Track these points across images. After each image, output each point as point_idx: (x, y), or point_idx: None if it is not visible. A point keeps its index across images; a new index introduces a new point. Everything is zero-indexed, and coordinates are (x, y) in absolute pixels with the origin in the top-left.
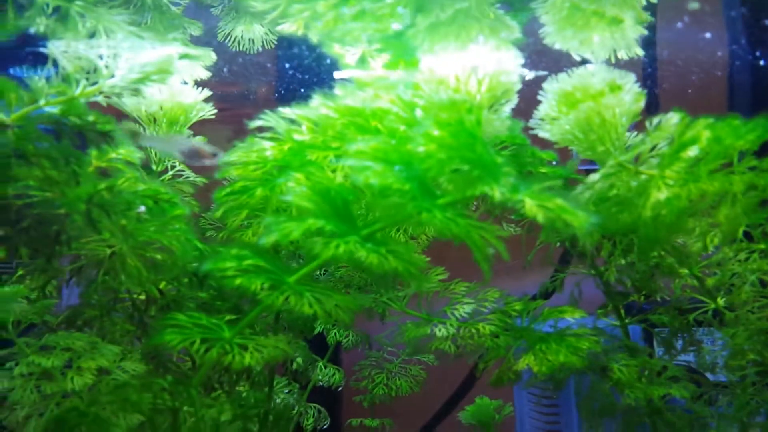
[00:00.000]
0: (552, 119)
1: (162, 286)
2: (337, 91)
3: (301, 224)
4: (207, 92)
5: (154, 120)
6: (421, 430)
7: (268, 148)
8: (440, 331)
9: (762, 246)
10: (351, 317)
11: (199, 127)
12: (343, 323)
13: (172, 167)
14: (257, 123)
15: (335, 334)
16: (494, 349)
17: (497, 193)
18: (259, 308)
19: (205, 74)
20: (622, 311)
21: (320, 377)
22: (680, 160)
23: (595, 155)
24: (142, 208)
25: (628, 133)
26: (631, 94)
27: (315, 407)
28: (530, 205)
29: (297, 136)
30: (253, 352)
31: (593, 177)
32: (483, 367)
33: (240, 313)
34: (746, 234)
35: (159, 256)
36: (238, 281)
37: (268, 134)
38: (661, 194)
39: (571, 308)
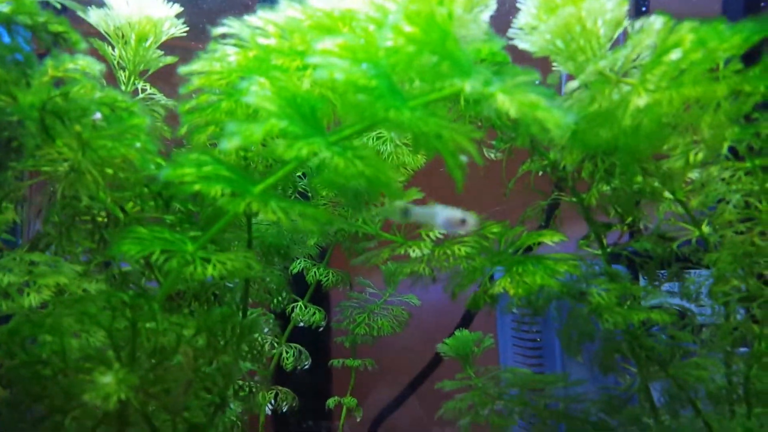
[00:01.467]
0: (532, 28)
1: (128, 207)
2: None
3: (264, 125)
4: (177, 7)
5: (122, 36)
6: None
7: (231, 54)
8: (414, 252)
9: (748, 164)
10: (318, 228)
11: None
12: (311, 233)
13: (143, 90)
14: (220, 30)
15: (315, 273)
16: (470, 272)
17: (468, 86)
18: (223, 221)
19: None
20: (604, 240)
21: (301, 317)
22: (662, 65)
23: (577, 66)
24: (98, 115)
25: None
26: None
27: (295, 347)
28: (502, 100)
29: (262, 40)
30: (217, 264)
31: (572, 84)
32: (458, 290)
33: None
34: (732, 150)
35: (121, 174)
36: (197, 186)
37: (232, 41)
38: (641, 101)
39: (550, 232)
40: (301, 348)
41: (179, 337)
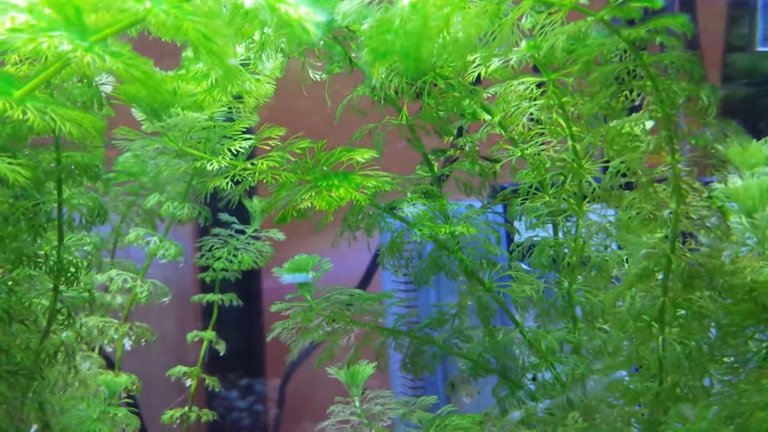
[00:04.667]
0: None
1: None
2: None
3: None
4: None
5: None
6: None
7: None
8: (212, 166)
9: (544, 78)
10: (98, 135)
11: None
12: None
13: None
14: None
15: (169, 206)
16: (277, 188)
17: None
18: None
19: None
20: (431, 159)
21: (156, 252)
22: None
23: None
24: None
25: None
26: None
27: (151, 282)
28: None
29: None
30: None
31: None
32: (270, 208)
33: None
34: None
35: None
36: None
37: None
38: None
39: (364, 149)
40: (156, 282)
41: None
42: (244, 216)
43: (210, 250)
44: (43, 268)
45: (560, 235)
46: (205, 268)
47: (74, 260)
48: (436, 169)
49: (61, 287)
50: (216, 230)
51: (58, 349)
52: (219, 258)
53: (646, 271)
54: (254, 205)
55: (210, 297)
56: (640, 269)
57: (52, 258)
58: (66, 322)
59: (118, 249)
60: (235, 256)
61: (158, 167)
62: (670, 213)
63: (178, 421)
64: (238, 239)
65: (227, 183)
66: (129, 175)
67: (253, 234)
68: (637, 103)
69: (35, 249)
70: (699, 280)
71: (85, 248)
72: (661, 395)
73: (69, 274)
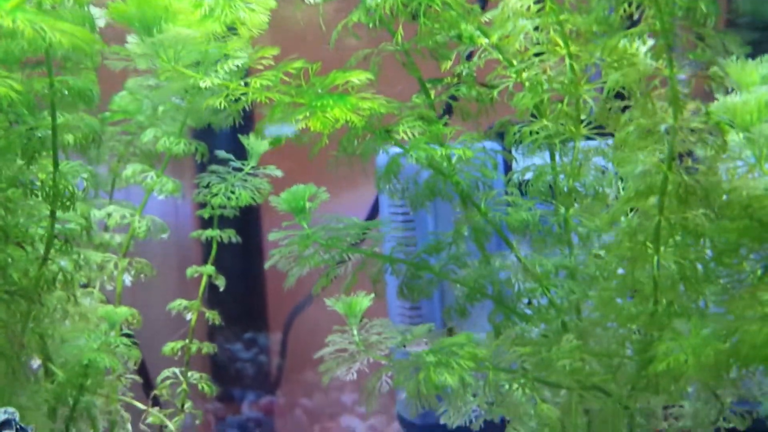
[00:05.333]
0: None
1: None
2: None
3: None
4: None
5: None
6: None
7: None
8: (205, 84)
9: None
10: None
11: None
12: None
13: None
14: None
15: (165, 141)
16: (271, 110)
17: None
18: None
19: None
20: (428, 87)
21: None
22: None
23: None
24: None
25: None
26: None
27: (149, 218)
28: None
29: None
30: None
31: None
32: (262, 127)
33: None
34: None
35: None
36: None
37: None
38: None
39: (359, 71)
40: (155, 218)
41: None
42: (241, 155)
43: (207, 186)
44: (40, 195)
45: (557, 162)
46: (203, 207)
47: (70, 186)
48: (432, 97)
49: (58, 213)
50: (213, 167)
51: (57, 275)
52: (216, 194)
53: (642, 188)
54: (251, 141)
55: (209, 233)
56: (637, 187)
57: (47, 184)
58: (63, 249)
59: (116, 191)
60: (233, 192)
61: (154, 103)
62: (668, 128)
63: (179, 353)
64: (235, 176)
65: (221, 103)
66: (125, 114)
67: (250, 171)
68: (636, 18)
69: (30, 174)
70: (695, 197)
71: (83, 175)
72: (655, 316)
73: (65, 200)
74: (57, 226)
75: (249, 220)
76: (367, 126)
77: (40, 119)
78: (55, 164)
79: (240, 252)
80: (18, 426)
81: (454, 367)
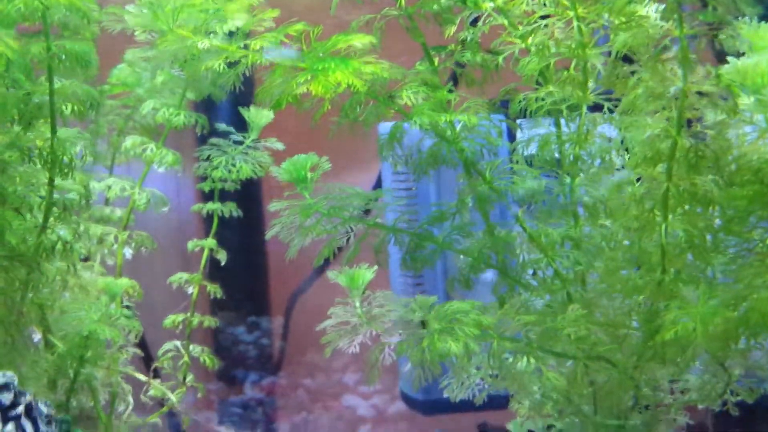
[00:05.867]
0: None
1: None
2: None
3: None
4: None
5: None
6: None
7: None
8: (203, 44)
9: None
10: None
11: None
12: None
13: None
14: None
15: (165, 112)
16: (272, 71)
17: None
18: None
19: None
20: (431, 55)
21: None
22: None
23: None
24: None
25: None
26: None
27: (150, 191)
28: None
29: None
30: None
31: None
32: (266, 95)
33: None
34: None
35: None
36: None
37: None
38: None
39: (360, 35)
40: (155, 191)
41: None
42: (242, 128)
43: (208, 159)
44: (38, 162)
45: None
46: (204, 181)
47: (68, 153)
48: (436, 64)
49: (57, 181)
50: (214, 140)
51: (56, 244)
52: (217, 167)
53: (650, 154)
54: (252, 114)
55: (210, 206)
56: (644, 152)
57: (45, 151)
58: (62, 216)
59: (116, 166)
60: (233, 165)
61: (153, 73)
62: (677, 90)
63: (180, 327)
64: (236, 149)
65: (220, 65)
66: (124, 86)
67: (251, 144)
68: None
69: (28, 140)
70: (704, 162)
71: (82, 143)
72: (662, 285)
73: (63, 167)
74: (55, 195)
75: (250, 196)
76: (370, 92)
77: (38, 85)
78: (53, 130)
79: (241, 228)
80: (17, 390)
81: (458, 334)
